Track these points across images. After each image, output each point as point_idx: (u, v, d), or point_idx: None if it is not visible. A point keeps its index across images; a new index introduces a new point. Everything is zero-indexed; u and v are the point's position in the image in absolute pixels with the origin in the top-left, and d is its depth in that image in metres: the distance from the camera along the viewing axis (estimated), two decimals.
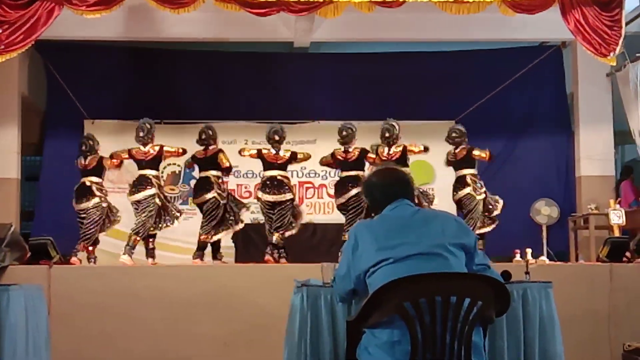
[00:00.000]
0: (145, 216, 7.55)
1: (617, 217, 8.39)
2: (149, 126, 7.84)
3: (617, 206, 8.57)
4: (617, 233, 8.30)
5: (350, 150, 7.93)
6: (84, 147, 7.90)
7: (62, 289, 6.25)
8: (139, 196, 7.57)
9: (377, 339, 2.77)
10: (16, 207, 9.53)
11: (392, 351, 2.73)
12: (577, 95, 10.06)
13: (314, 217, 10.17)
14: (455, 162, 8.14)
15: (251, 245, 8.83)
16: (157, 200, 7.61)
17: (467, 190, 7.96)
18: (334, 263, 3.59)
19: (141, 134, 7.79)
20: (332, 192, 8.50)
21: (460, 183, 8.03)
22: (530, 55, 10.58)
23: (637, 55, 8.90)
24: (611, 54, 8.05)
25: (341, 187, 7.93)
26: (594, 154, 9.86)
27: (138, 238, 7.54)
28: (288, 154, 7.93)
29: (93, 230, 7.69)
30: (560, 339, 3.97)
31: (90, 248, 7.72)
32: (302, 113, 10.74)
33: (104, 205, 7.78)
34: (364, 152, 7.95)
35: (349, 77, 10.60)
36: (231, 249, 8.80)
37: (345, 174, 7.96)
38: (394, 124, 7.97)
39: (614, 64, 8.46)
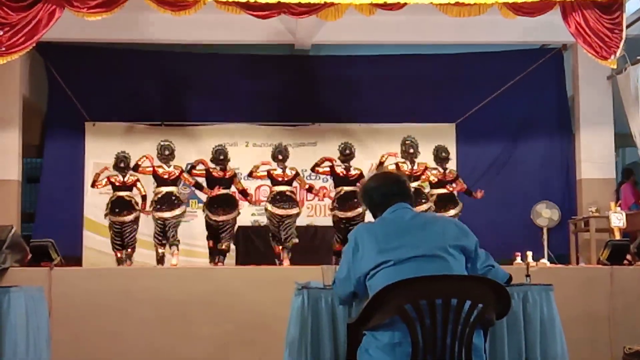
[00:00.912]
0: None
1: (618, 219, 8.38)
2: (173, 147, 8.34)
3: (618, 209, 8.56)
4: (617, 236, 8.29)
5: (352, 168, 8.30)
6: (122, 165, 8.28)
7: (63, 291, 6.25)
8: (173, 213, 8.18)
9: (377, 341, 2.77)
10: (17, 209, 9.52)
11: (392, 353, 2.72)
12: (577, 97, 10.07)
13: (315, 220, 10.16)
14: (445, 182, 8.42)
15: (252, 247, 8.84)
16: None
17: (458, 208, 8.31)
18: (334, 265, 3.58)
19: (167, 153, 8.26)
20: (332, 195, 8.53)
21: (453, 201, 8.36)
22: (531, 58, 10.58)
23: (638, 58, 8.91)
24: (612, 56, 8.04)
25: (347, 201, 8.14)
26: (594, 157, 9.87)
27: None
28: (293, 173, 8.31)
29: (134, 238, 8.34)
30: (562, 341, 3.96)
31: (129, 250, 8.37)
32: (303, 115, 10.75)
33: (140, 217, 8.39)
34: (363, 176, 8.18)
35: (350, 80, 10.59)
36: (232, 251, 8.80)
37: (347, 189, 8.17)
38: (414, 140, 8.35)
39: (615, 66, 8.46)
